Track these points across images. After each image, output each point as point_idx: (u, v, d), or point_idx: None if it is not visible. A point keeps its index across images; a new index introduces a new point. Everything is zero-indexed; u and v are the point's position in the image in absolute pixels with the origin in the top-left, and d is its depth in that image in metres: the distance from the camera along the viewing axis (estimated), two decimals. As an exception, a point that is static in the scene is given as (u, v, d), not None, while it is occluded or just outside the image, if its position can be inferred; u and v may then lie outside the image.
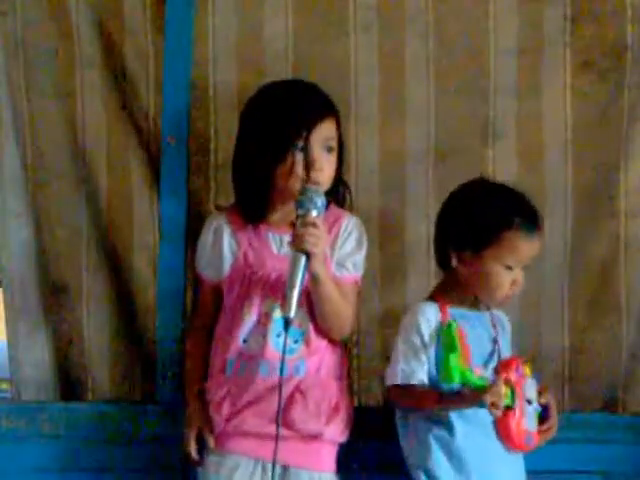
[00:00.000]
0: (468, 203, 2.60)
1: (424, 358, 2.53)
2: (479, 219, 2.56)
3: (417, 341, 2.54)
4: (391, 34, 2.91)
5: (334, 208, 2.65)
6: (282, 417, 2.51)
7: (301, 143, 2.54)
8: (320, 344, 2.59)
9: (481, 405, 2.42)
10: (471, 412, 2.49)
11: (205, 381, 2.65)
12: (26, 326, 2.97)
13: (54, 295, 2.98)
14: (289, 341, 2.50)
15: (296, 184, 2.55)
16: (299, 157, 2.55)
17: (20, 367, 2.96)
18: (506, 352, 2.63)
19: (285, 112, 2.57)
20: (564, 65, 2.90)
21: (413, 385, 2.52)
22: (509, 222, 2.54)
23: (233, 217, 2.66)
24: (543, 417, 2.61)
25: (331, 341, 2.62)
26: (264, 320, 2.57)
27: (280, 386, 2.44)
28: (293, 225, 2.47)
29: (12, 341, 2.97)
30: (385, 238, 2.91)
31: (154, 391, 2.89)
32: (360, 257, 2.65)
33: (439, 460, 2.52)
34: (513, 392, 2.48)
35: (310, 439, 2.57)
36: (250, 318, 2.58)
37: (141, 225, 2.95)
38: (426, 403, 2.52)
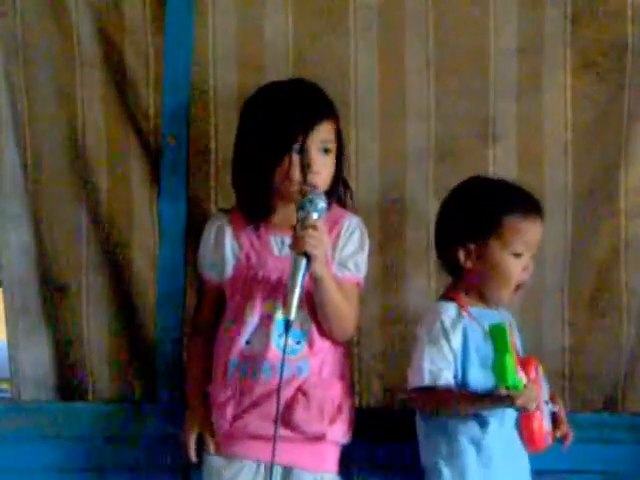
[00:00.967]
0: (467, 197, 2.61)
1: (451, 358, 2.52)
2: (479, 209, 2.56)
3: (443, 340, 2.52)
4: (391, 34, 2.91)
5: (335, 208, 2.65)
6: (285, 418, 2.53)
7: (298, 146, 2.54)
8: (323, 345, 2.60)
9: (511, 406, 2.42)
10: (501, 411, 2.48)
11: (207, 383, 2.65)
12: (26, 326, 2.97)
13: (54, 295, 2.97)
14: (291, 342, 2.50)
15: (293, 187, 2.55)
16: (296, 159, 2.55)
17: (20, 367, 2.96)
18: (519, 349, 2.62)
19: (282, 114, 2.57)
20: (564, 65, 2.90)
21: (440, 386, 2.50)
22: (509, 207, 2.55)
23: (235, 218, 2.66)
24: (553, 420, 2.62)
25: (334, 342, 2.62)
26: (266, 321, 2.57)
27: (279, 389, 2.45)
28: (294, 228, 2.48)
29: (12, 341, 2.97)
30: (385, 238, 2.91)
31: (154, 391, 2.89)
32: (362, 258, 2.65)
33: (469, 459, 2.51)
34: (537, 390, 2.48)
35: (313, 440, 2.57)
36: (252, 320, 2.58)
37: (141, 225, 2.95)
38: (456, 404, 2.50)
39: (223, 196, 2.88)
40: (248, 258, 2.62)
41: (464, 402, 2.49)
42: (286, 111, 2.57)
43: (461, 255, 2.57)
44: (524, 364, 2.52)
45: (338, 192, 2.67)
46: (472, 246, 2.56)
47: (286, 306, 2.44)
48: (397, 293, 2.92)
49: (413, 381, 2.54)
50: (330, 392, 2.59)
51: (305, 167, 2.54)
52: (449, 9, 2.91)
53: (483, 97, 2.91)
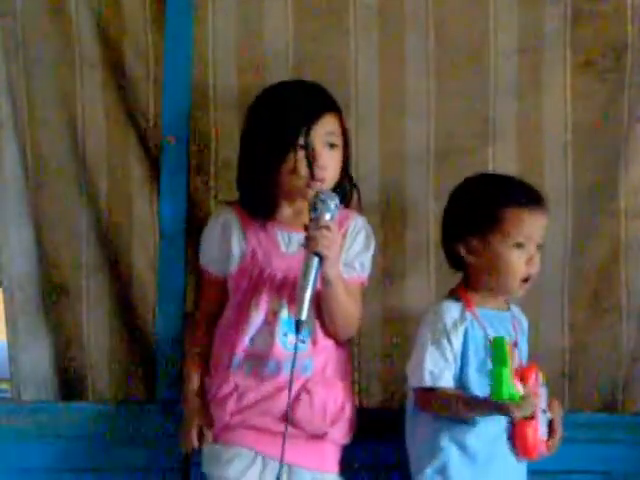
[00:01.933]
0: (467, 192, 2.61)
1: (451, 359, 2.51)
2: (479, 203, 2.56)
3: (444, 341, 2.52)
4: (391, 34, 2.91)
5: (342, 208, 2.64)
6: (286, 415, 2.52)
7: (302, 141, 2.55)
8: (327, 343, 2.60)
9: (507, 416, 2.43)
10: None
11: (205, 376, 2.65)
12: (26, 326, 2.96)
13: (54, 295, 2.97)
14: (295, 339, 2.50)
15: (300, 182, 2.56)
16: (301, 155, 2.55)
17: (20, 367, 2.96)
18: (524, 354, 2.62)
19: (285, 111, 2.57)
20: (564, 65, 2.90)
21: (440, 388, 2.50)
22: (509, 198, 2.54)
23: (241, 212, 2.65)
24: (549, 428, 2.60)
25: (337, 341, 2.63)
26: (271, 319, 2.57)
27: (290, 387, 2.45)
28: (306, 228, 2.48)
29: (12, 341, 2.97)
30: (385, 238, 2.90)
31: (154, 390, 2.89)
32: (367, 258, 2.66)
33: (451, 457, 2.50)
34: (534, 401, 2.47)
35: (314, 439, 2.57)
36: (258, 317, 2.58)
37: (141, 225, 2.95)
38: (454, 408, 2.49)
39: (223, 196, 2.88)
40: (254, 254, 2.62)
41: (462, 406, 2.48)
42: (288, 107, 2.57)
43: (462, 250, 2.57)
44: (524, 371, 2.52)
45: (344, 190, 2.67)
46: (473, 240, 2.55)
47: (296, 306, 2.44)
48: (397, 293, 2.92)
49: (413, 381, 2.55)
50: (333, 392, 2.59)
51: (311, 162, 2.54)
52: (449, 9, 2.91)
53: (483, 97, 2.92)
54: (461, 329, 2.53)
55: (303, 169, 2.55)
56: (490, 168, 2.90)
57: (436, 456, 2.51)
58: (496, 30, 2.91)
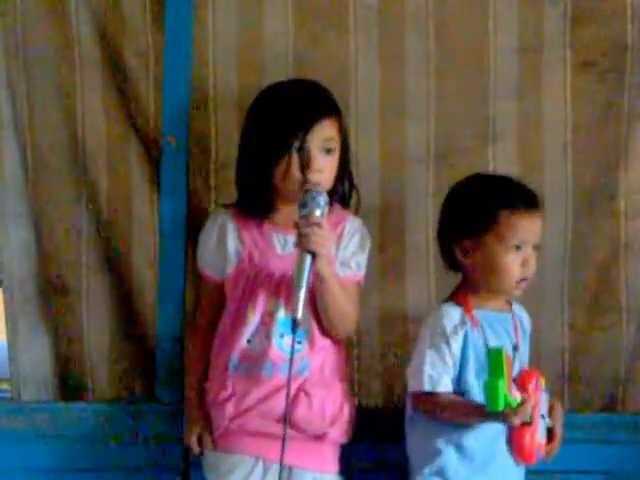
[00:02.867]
0: (462, 194, 2.61)
1: (450, 363, 2.50)
2: (473, 204, 2.55)
3: (443, 345, 2.51)
4: (391, 34, 2.91)
5: (339, 209, 2.65)
6: (285, 417, 2.52)
7: (297, 143, 2.54)
8: (324, 343, 2.60)
9: (504, 422, 2.43)
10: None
11: (205, 381, 2.65)
12: (26, 326, 2.97)
13: (54, 295, 2.98)
14: (293, 340, 2.50)
15: (293, 186, 2.55)
16: (295, 159, 2.55)
17: (20, 367, 2.96)
18: (525, 356, 2.62)
19: (282, 113, 2.57)
20: (564, 65, 2.90)
21: (439, 393, 2.49)
22: (504, 200, 2.53)
23: (237, 215, 2.66)
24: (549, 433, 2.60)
25: (334, 341, 2.63)
26: (267, 320, 2.57)
27: (288, 389, 2.45)
28: (296, 225, 2.47)
29: (12, 341, 2.97)
30: (385, 238, 2.90)
31: (154, 391, 2.89)
32: (363, 258, 2.66)
33: (449, 459, 2.50)
34: (532, 407, 2.45)
35: (314, 440, 2.57)
36: (254, 318, 2.58)
37: (141, 225, 2.95)
38: (452, 414, 2.49)
39: (223, 196, 2.88)
40: (251, 256, 2.62)
41: (460, 412, 2.48)
42: (285, 110, 2.57)
43: (457, 251, 2.57)
44: (524, 377, 2.50)
45: (341, 192, 2.66)
46: (468, 242, 2.55)
47: (292, 304, 2.43)
48: (397, 293, 2.92)
49: (412, 385, 2.54)
50: (331, 392, 2.59)
51: (305, 166, 2.54)
52: (449, 9, 2.91)
53: (483, 97, 2.92)
54: (461, 334, 2.52)
55: (296, 173, 2.54)
56: (490, 168, 2.90)
57: (434, 457, 2.50)
58: (496, 30, 2.90)
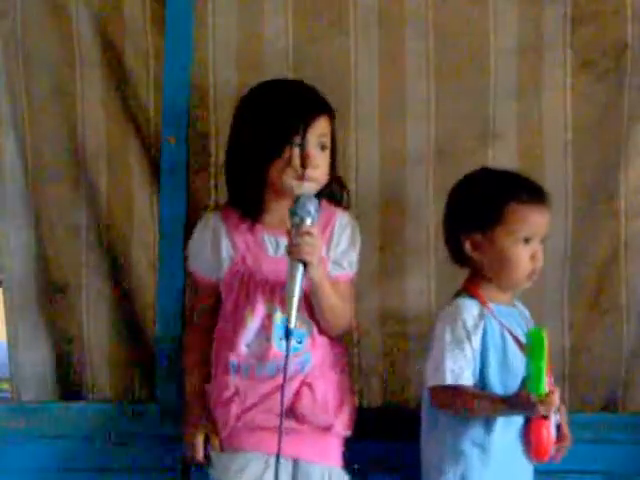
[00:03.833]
0: (471, 187, 2.61)
1: (471, 357, 2.49)
2: (483, 197, 2.55)
3: (465, 339, 2.50)
4: (391, 34, 2.91)
5: (327, 206, 2.64)
6: (291, 410, 2.54)
7: (298, 139, 2.54)
8: (323, 339, 2.61)
9: (532, 414, 2.42)
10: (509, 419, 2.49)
11: (206, 382, 2.65)
12: (26, 326, 2.97)
13: (54, 295, 2.98)
14: (293, 341, 2.50)
15: (291, 180, 2.55)
16: (296, 152, 2.55)
17: (20, 367, 2.96)
18: None
19: (283, 107, 2.57)
20: (564, 65, 2.90)
21: (461, 386, 2.48)
22: (513, 193, 2.54)
23: (229, 217, 2.66)
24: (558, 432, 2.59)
25: (331, 340, 2.63)
26: (266, 323, 2.57)
27: (282, 389, 2.44)
28: (288, 234, 2.48)
29: (12, 341, 2.97)
30: (385, 238, 2.91)
31: (154, 391, 2.89)
32: (354, 255, 2.66)
33: (473, 460, 2.49)
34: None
35: (320, 432, 2.58)
36: (253, 322, 2.58)
37: (141, 225, 2.95)
38: (477, 406, 2.47)
39: (223, 196, 2.88)
40: (244, 259, 2.62)
41: (484, 404, 2.47)
42: (287, 104, 2.57)
43: (468, 246, 2.56)
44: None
45: (330, 191, 2.66)
46: (478, 236, 2.55)
47: (286, 314, 2.44)
48: (397, 293, 2.92)
49: (434, 379, 2.51)
50: (332, 384, 2.60)
51: (304, 160, 2.54)
52: (449, 9, 2.91)
53: (483, 97, 2.92)
54: (480, 326, 2.52)
55: (297, 165, 2.55)
56: (490, 168, 2.90)
57: (458, 460, 2.49)
58: (496, 30, 2.91)
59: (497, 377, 2.50)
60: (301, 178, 2.55)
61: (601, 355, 2.91)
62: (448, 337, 2.51)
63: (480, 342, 2.51)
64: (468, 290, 2.59)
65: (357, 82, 2.92)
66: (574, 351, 2.92)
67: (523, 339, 2.51)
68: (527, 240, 2.53)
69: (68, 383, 2.98)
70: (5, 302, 3.00)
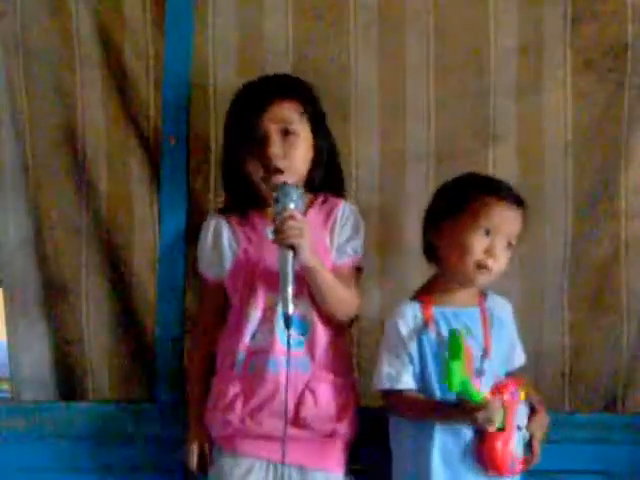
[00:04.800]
0: (445, 188, 2.62)
1: (407, 360, 2.52)
2: (454, 190, 2.57)
3: (398, 343, 2.53)
4: (391, 34, 2.92)
5: (330, 197, 2.67)
6: (293, 417, 2.54)
7: (259, 129, 2.56)
8: (325, 339, 2.59)
9: (472, 422, 2.42)
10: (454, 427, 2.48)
11: (210, 383, 2.66)
12: (26, 326, 2.97)
13: (54, 295, 2.98)
14: (295, 334, 2.51)
15: (259, 171, 2.58)
16: (256, 148, 2.58)
17: (20, 367, 2.97)
18: (503, 345, 2.60)
19: (243, 104, 2.62)
20: (564, 65, 2.90)
21: (402, 391, 2.52)
22: (483, 187, 2.55)
23: (230, 215, 2.68)
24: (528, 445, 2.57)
25: (338, 335, 2.63)
26: (269, 315, 2.57)
27: (286, 389, 2.46)
28: (273, 222, 2.48)
29: (12, 341, 2.97)
30: (385, 238, 2.91)
31: (154, 391, 2.89)
32: (359, 241, 2.67)
33: (431, 459, 2.49)
34: (505, 415, 2.46)
35: (324, 438, 2.57)
36: (256, 314, 2.58)
37: (141, 225, 2.95)
38: (420, 411, 2.50)
39: (223, 196, 2.88)
40: (246, 253, 2.63)
41: (427, 410, 2.50)
42: (246, 96, 2.62)
43: (434, 235, 2.58)
44: (501, 386, 2.49)
45: (320, 177, 2.66)
46: (445, 224, 2.55)
47: (282, 301, 2.45)
48: (397, 293, 2.91)
49: (375, 384, 2.57)
50: (336, 388, 2.59)
51: (265, 148, 2.56)
52: (449, 9, 2.91)
53: (483, 97, 2.92)
54: (417, 331, 2.54)
55: (255, 163, 2.58)
56: (490, 168, 2.90)
57: (417, 459, 2.51)
58: (496, 30, 2.91)
59: (437, 384, 2.51)
60: (268, 170, 2.56)
61: (601, 355, 2.91)
62: (385, 342, 2.57)
63: (417, 348, 2.53)
64: (419, 292, 2.62)
65: (357, 82, 2.93)
66: (574, 351, 2.92)
67: (469, 343, 2.51)
68: (488, 232, 2.52)
69: (68, 383, 2.99)
70: (5, 302, 3.00)
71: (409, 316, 2.56)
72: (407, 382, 2.52)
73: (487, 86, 2.91)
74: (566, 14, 2.90)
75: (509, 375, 2.61)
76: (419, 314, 2.56)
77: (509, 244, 2.55)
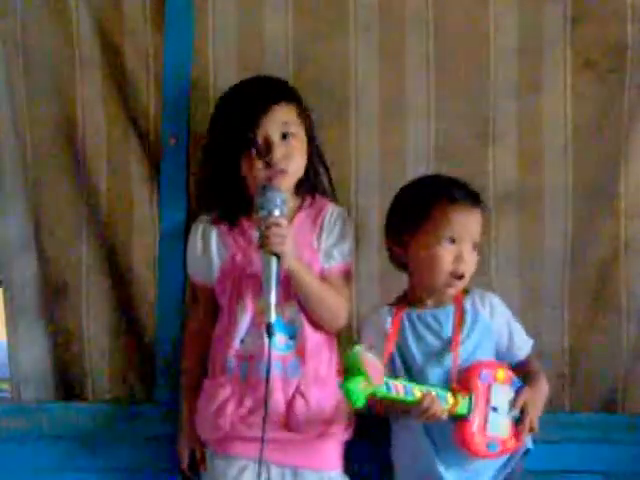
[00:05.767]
0: (403, 193, 2.62)
1: (379, 364, 2.48)
2: (413, 199, 2.57)
3: (369, 347, 2.47)
4: (391, 34, 2.91)
5: (318, 198, 2.67)
6: (286, 421, 2.54)
7: (258, 131, 2.56)
8: (315, 341, 2.59)
9: (417, 421, 2.45)
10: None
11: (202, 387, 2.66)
12: (26, 326, 2.97)
13: (54, 295, 2.98)
14: (284, 338, 2.52)
15: (261, 172, 2.57)
16: (254, 153, 2.57)
17: (20, 367, 2.96)
18: (478, 337, 2.58)
19: (234, 109, 2.60)
20: (564, 65, 2.90)
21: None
22: (441, 194, 2.54)
23: (218, 220, 2.67)
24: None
25: (327, 337, 2.63)
26: (259, 319, 2.56)
27: (267, 391, 2.46)
28: (258, 228, 2.48)
29: (12, 341, 2.97)
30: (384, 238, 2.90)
31: (153, 391, 2.89)
32: (346, 246, 2.66)
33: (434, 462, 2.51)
34: (471, 401, 2.47)
35: (316, 439, 2.57)
36: (245, 318, 2.58)
37: (141, 225, 2.95)
38: (391, 412, 2.54)
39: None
40: (234, 258, 2.62)
41: (394, 409, 2.51)
42: (238, 102, 2.60)
43: (397, 248, 2.58)
44: (467, 373, 2.49)
45: (312, 180, 2.67)
46: (406, 237, 2.55)
47: (265, 309, 2.45)
48: (395, 293, 2.90)
49: None
50: (328, 389, 2.58)
51: (261, 148, 2.56)
52: (449, 9, 2.91)
53: (483, 97, 2.92)
54: (386, 335, 2.55)
55: (259, 166, 2.57)
56: (490, 168, 2.90)
57: (416, 458, 2.52)
58: (496, 30, 2.91)
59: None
60: (268, 167, 2.55)
61: (601, 355, 2.90)
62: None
63: (391, 351, 2.54)
64: (398, 297, 2.63)
65: (357, 82, 2.92)
66: (574, 351, 2.92)
67: (435, 344, 2.54)
68: (453, 241, 2.52)
69: (68, 383, 2.98)
70: (5, 302, 3.00)
71: (377, 322, 2.58)
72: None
73: (487, 86, 2.91)
74: (566, 14, 2.90)
75: (518, 365, 2.60)
76: (388, 319, 2.57)
77: (474, 245, 2.55)
